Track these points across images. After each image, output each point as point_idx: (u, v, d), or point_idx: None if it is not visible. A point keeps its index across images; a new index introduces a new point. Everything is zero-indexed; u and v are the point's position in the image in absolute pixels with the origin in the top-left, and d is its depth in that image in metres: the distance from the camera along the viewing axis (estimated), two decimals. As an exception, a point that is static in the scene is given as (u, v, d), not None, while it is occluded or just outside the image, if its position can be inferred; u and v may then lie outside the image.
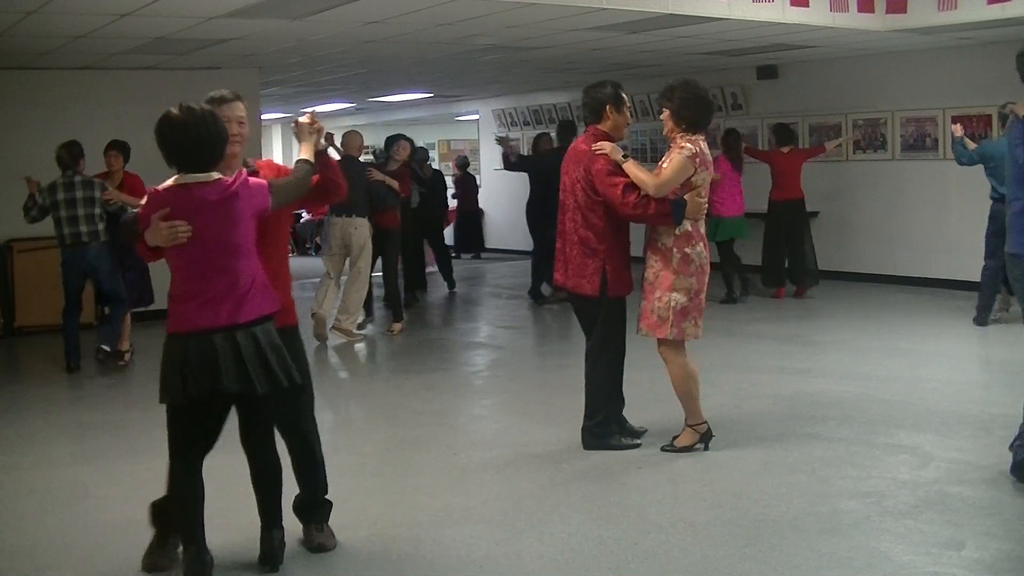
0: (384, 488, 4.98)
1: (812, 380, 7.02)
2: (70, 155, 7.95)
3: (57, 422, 6.55)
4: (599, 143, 5.23)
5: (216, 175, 3.65)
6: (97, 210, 7.90)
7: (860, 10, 8.85)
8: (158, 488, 4.07)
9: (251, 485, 3.93)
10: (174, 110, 3.62)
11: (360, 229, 9.03)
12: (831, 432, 5.69)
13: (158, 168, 3.89)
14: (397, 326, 9.65)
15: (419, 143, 16.11)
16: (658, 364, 5.84)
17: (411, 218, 11.44)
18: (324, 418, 6.88)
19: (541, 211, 10.75)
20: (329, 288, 9.11)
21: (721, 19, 8.34)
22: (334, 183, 4.10)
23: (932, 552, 3.98)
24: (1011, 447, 4.74)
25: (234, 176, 3.69)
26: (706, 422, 5.39)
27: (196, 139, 3.59)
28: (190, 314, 3.62)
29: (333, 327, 9.13)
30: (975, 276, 8.96)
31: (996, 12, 8.32)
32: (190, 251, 3.62)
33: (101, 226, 7.94)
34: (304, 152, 3.98)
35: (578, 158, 5.27)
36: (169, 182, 3.69)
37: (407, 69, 11.90)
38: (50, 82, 10.14)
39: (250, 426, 3.85)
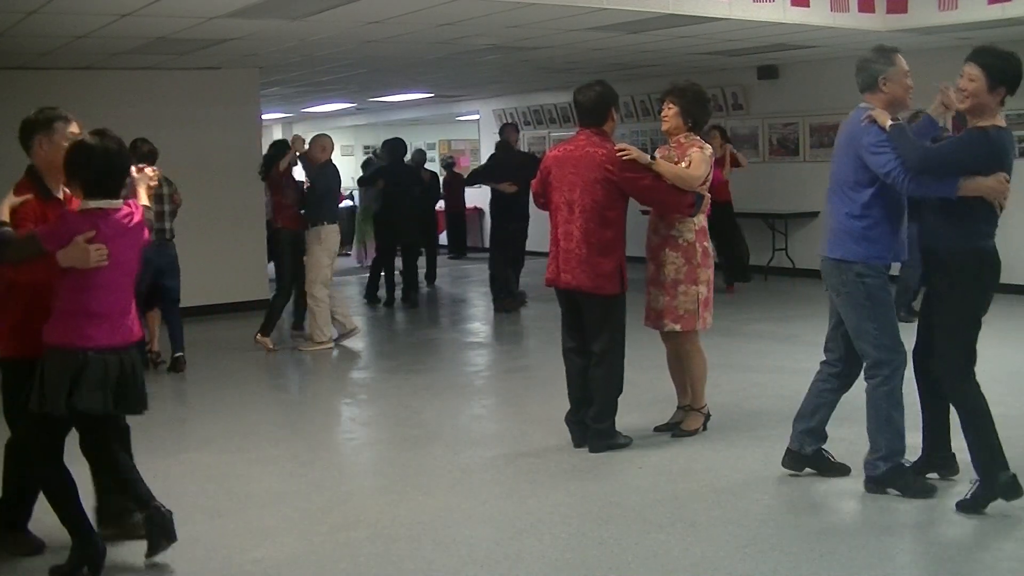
0: (384, 488, 4.98)
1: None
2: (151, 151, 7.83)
3: (57, 422, 6.53)
4: (623, 145, 5.25)
5: (120, 202, 3.84)
6: (167, 207, 7.88)
7: (860, 10, 8.85)
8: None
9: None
10: (91, 139, 3.78)
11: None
12: (831, 432, 5.65)
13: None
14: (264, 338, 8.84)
15: (419, 143, 16.16)
16: (659, 364, 5.87)
17: (415, 218, 11.42)
18: (324, 418, 6.93)
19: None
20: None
21: (721, 19, 8.34)
22: None
23: (932, 552, 3.98)
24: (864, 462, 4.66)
25: (130, 205, 3.89)
26: (706, 404, 5.74)
27: (119, 167, 3.83)
28: (91, 331, 3.75)
29: (343, 337, 8.98)
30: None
31: (996, 12, 8.32)
32: (104, 273, 3.75)
33: (169, 224, 7.94)
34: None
35: (592, 160, 5.21)
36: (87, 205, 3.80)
37: (407, 69, 11.89)
38: (50, 82, 10.12)
39: (106, 442, 4.04)
